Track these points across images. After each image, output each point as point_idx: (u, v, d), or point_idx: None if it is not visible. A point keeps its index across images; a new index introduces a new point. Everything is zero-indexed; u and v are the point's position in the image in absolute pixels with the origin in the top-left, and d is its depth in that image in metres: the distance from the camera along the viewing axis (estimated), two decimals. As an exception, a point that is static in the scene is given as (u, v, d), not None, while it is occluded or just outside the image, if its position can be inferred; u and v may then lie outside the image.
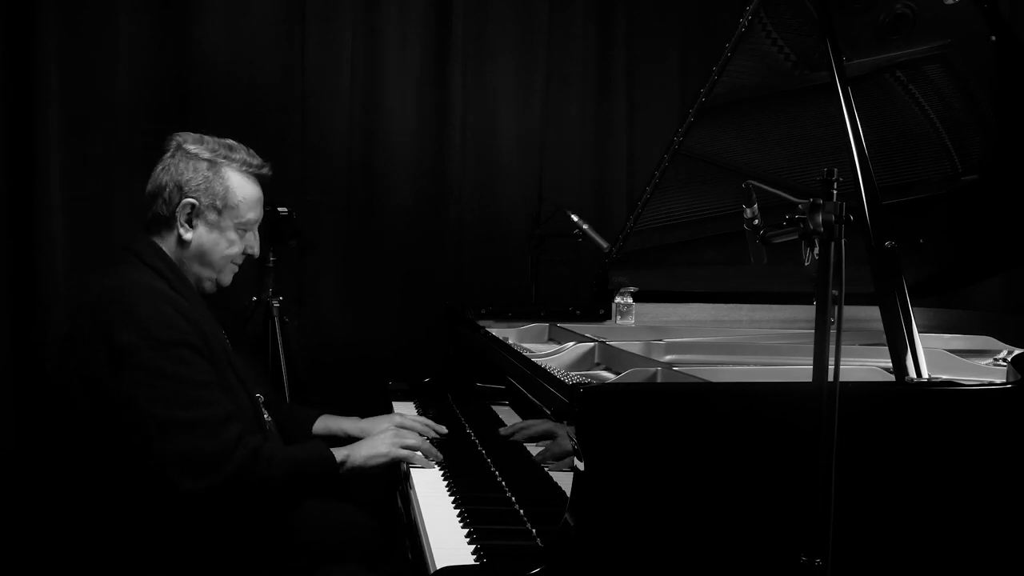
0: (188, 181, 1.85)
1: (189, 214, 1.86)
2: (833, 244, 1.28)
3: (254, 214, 1.94)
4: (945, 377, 1.82)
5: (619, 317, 2.75)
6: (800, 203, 1.32)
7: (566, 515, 1.45)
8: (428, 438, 2.11)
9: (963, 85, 2.42)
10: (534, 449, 1.95)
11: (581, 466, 1.45)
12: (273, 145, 2.89)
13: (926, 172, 2.60)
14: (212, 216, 1.88)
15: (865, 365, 2.06)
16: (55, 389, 1.83)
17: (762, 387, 1.74)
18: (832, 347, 1.27)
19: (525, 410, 2.15)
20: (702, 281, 2.97)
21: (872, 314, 1.76)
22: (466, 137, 3.74)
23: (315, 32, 3.54)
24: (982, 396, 1.64)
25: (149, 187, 1.88)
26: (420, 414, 2.46)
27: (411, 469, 1.97)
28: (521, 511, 1.72)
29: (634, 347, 2.23)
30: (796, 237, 1.34)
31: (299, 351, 3.26)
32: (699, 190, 2.78)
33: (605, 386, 1.74)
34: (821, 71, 2.43)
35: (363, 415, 2.27)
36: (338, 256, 3.62)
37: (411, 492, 1.87)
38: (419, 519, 1.72)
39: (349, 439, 2.12)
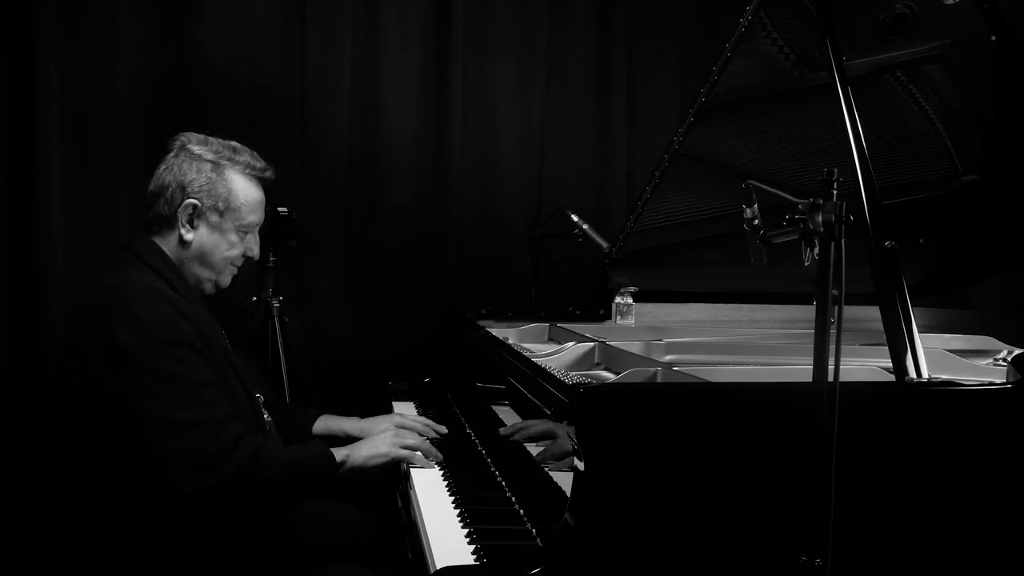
0: (191, 182, 1.85)
1: (191, 215, 1.86)
2: (833, 244, 1.28)
3: (256, 217, 1.94)
4: (945, 377, 1.82)
5: (619, 317, 2.75)
6: (800, 203, 1.32)
7: (566, 515, 1.45)
8: (428, 438, 2.11)
9: (963, 85, 2.42)
10: (534, 449, 1.95)
11: (581, 466, 1.45)
12: (273, 145, 2.89)
13: (926, 172, 2.60)
14: (214, 218, 1.88)
15: (865, 365, 2.06)
16: (55, 389, 1.83)
17: (762, 387, 1.74)
18: (832, 347, 1.27)
19: (525, 410, 2.15)
20: (702, 281, 2.97)
21: (872, 314, 1.76)
22: (466, 137, 3.74)
23: (315, 32, 3.54)
24: (982, 396, 1.64)
25: (151, 186, 1.88)
26: (420, 414, 2.46)
27: (411, 469, 1.97)
28: (521, 511, 1.72)
29: (634, 347, 2.23)
30: (796, 237, 1.34)
31: (299, 351, 3.26)
32: (699, 190, 2.78)
33: (605, 386, 1.74)
34: (821, 71, 2.43)
35: (363, 415, 2.26)
36: (338, 256, 3.62)
37: (411, 492, 1.87)
38: (419, 519, 1.72)
39: (349, 439, 2.12)
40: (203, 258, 1.89)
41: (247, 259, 1.97)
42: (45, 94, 3.10)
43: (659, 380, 1.84)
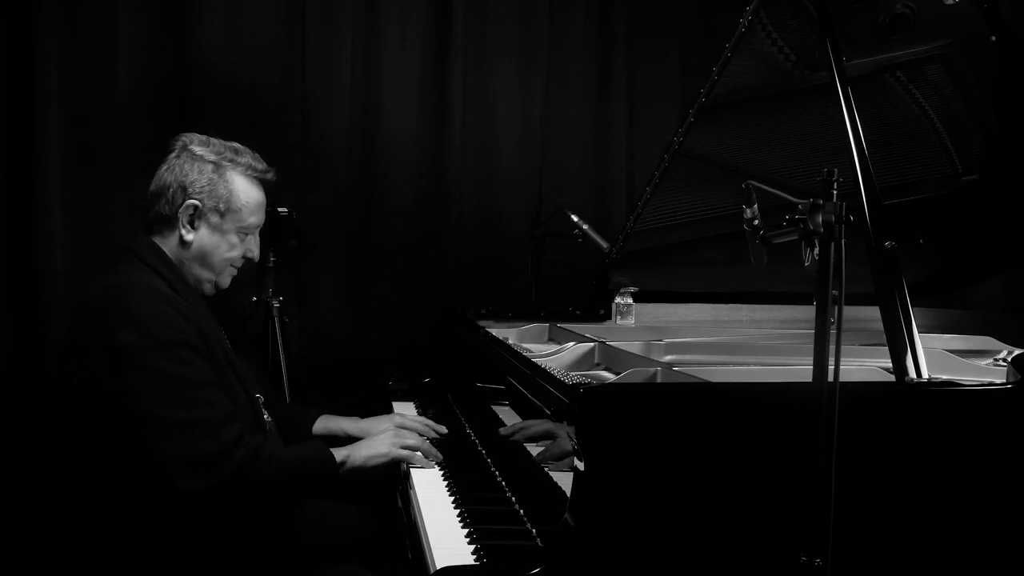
0: (192, 183, 1.85)
1: (192, 215, 1.86)
2: (833, 244, 1.28)
3: (256, 218, 1.94)
4: (945, 377, 1.82)
5: (619, 317, 2.75)
6: (800, 203, 1.32)
7: (566, 515, 1.45)
8: (428, 438, 2.11)
9: (963, 85, 2.42)
10: (534, 449, 1.96)
11: (581, 466, 1.45)
12: (273, 145, 2.89)
13: (926, 172, 2.59)
14: (214, 218, 1.88)
15: (865, 365, 2.06)
16: (55, 389, 1.84)
17: (762, 387, 1.74)
18: (832, 347, 1.27)
19: (525, 410, 2.15)
20: (702, 281, 2.97)
21: (872, 314, 1.76)
22: (466, 137, 3.74)
23: (315, 32, 3.54)
24: (982, 396, 1.64)
25: (152, 186, 1.88)
26: (420, 414, 2.46)
27: (411, 469, 1.97)
28: (521, 511, 1.72)
29: (634, 347, 2.23)
30: (796, 237, 1.34)
31: (299, 351, 3.26)
32: (699, 190, 2.78)
33: (605, 386, 1.74)
34: (821, 71, 2.43)
35: (363, 415, 2.27)
36: (338, 256, 3.62)
37: (411, 492, 1.87)
38: (419, 519, 1.72)
39: (349, 439, 2.12)
40: (203, 259, 1.89)
41: (247, 260, 1.97)
42: (45, 94, 3.10)
43: (659, 380, 1.84)
